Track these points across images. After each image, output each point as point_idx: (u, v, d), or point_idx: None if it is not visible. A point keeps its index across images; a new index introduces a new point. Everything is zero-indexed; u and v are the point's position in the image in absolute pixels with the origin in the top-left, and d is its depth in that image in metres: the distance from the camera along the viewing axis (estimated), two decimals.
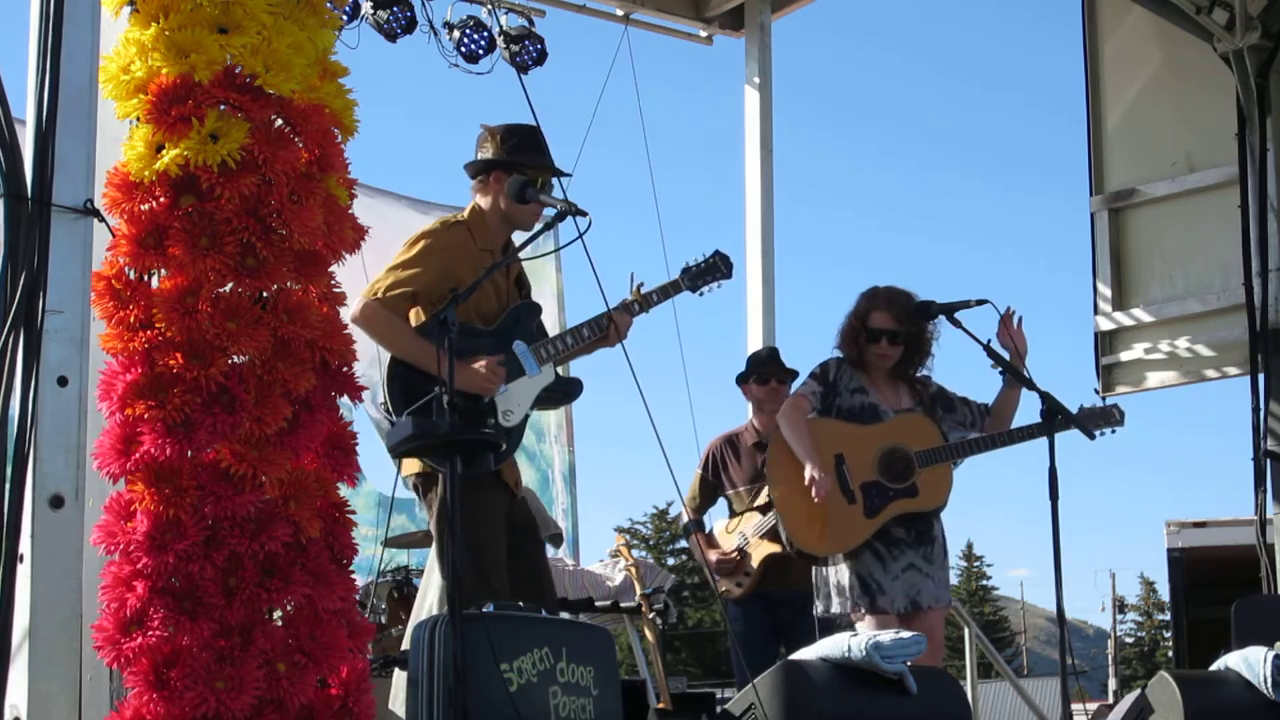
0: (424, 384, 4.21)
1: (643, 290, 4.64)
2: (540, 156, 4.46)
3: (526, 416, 4.41)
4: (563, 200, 4.26)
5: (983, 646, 8.38)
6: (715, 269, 4.76)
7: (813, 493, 4.90)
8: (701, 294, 4.77)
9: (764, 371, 6.06)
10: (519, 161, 4.42)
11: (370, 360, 4.30)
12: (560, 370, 4.55)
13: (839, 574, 5.04)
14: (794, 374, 5.98)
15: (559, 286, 9.47)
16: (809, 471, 4.92)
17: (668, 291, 4.70)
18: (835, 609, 5.07)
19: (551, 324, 9.14)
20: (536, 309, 4.59)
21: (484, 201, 4.53)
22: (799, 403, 5.13)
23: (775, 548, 5.65)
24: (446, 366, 3.47)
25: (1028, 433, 5.10)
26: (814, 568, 5.16)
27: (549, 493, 9.33)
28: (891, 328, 5.12)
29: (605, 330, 4.51)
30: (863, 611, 4.96)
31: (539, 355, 4.43)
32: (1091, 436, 5.13)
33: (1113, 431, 5.31)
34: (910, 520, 5.03)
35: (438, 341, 3.55)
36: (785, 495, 5.05)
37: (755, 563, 5.88)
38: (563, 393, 4.61)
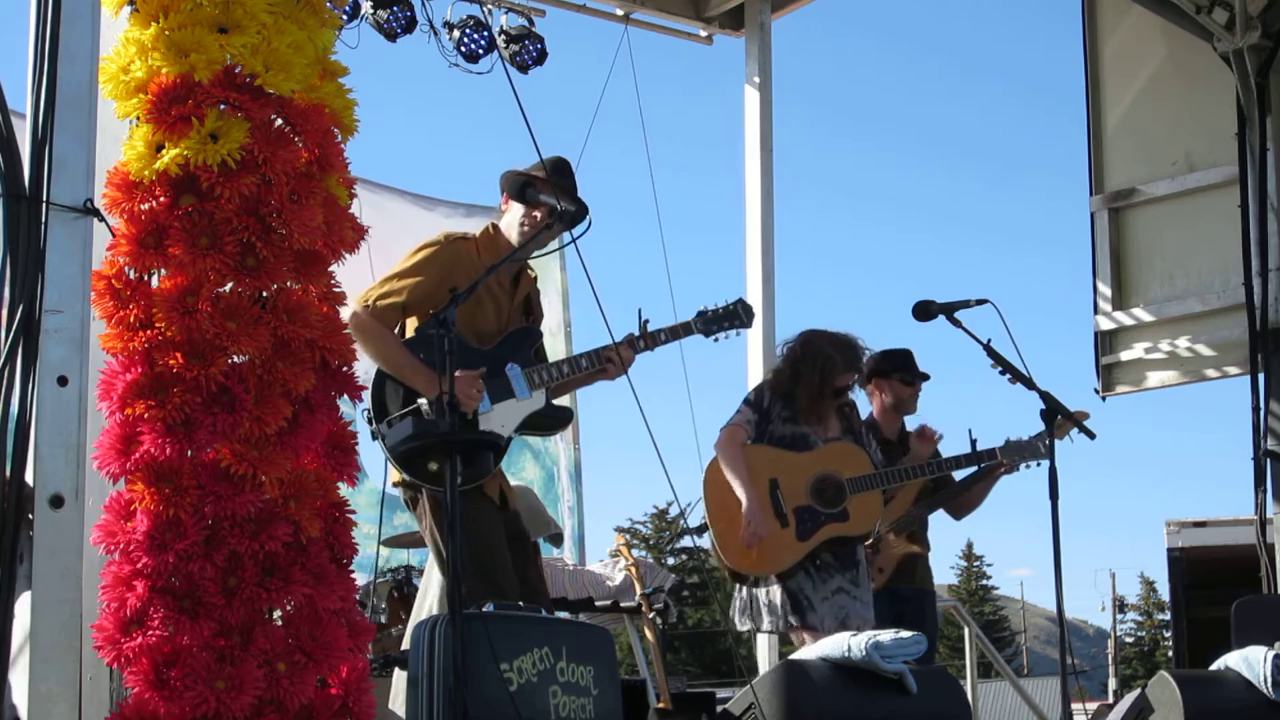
0: (407, 394, 4.20)
1: (650, 328, 4.56)
2: (555, 176, 4.34)
3: (510, 439, 4.39)
4: (563, 201, 4.25)
5: (983, 646, 8.38)
6: (734, 316, 4.71)
7: (749, 531, 5.06)
8: (716, 340, 4.72)
9: (913, 373, 6.02)
10: (533, 175, 4.36)
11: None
12: (568, 401, 4.52)
13: (770, 593, 5.21)
14: (927, 376, 6.04)
15: (563, 285, 9.47)
16: (746, 508, 5.08)
17: (678, 333, 4.64)
18: (766, 626, 5.21)
19: (556, 323, 9.15)
20: (537, 334, 4.54)
21: (504, 222, 4.49)
22: (735, 433, 5.27)
23: (914, 548, 5.72)
24: (429, 377, 3.45)
25: (955, 463, 5.34)
26: (745, 587, 5.31)
27: (554, 490, 9.31)
28: (851, 384, 5.35)
29: (605, 364, 4.47)
30: (797, 627, 5.05)
31: (531, 380, 4.39)
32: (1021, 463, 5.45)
33: (1039, 464, 5.44)
34: (836, 545, 5.19)
35: (437, 340, 3.54)
36: (720, 518, 5.19)
37: (892, 560, 5.91)
38: (552, 420, 4.57)
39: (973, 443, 5.46)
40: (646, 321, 4.57)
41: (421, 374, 4.15)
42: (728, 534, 5.17)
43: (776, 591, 5.14)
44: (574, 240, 4.19)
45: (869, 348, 5.38)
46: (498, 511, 4.36)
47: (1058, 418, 4.80)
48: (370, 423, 4.25)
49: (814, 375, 5.23)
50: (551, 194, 4.28)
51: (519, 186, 4.34)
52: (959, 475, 5.79)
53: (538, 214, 4.33)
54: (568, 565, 7.16)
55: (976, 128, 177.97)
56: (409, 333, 4.38)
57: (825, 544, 5.14)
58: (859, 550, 5.26)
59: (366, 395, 4.26)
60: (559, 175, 4.38)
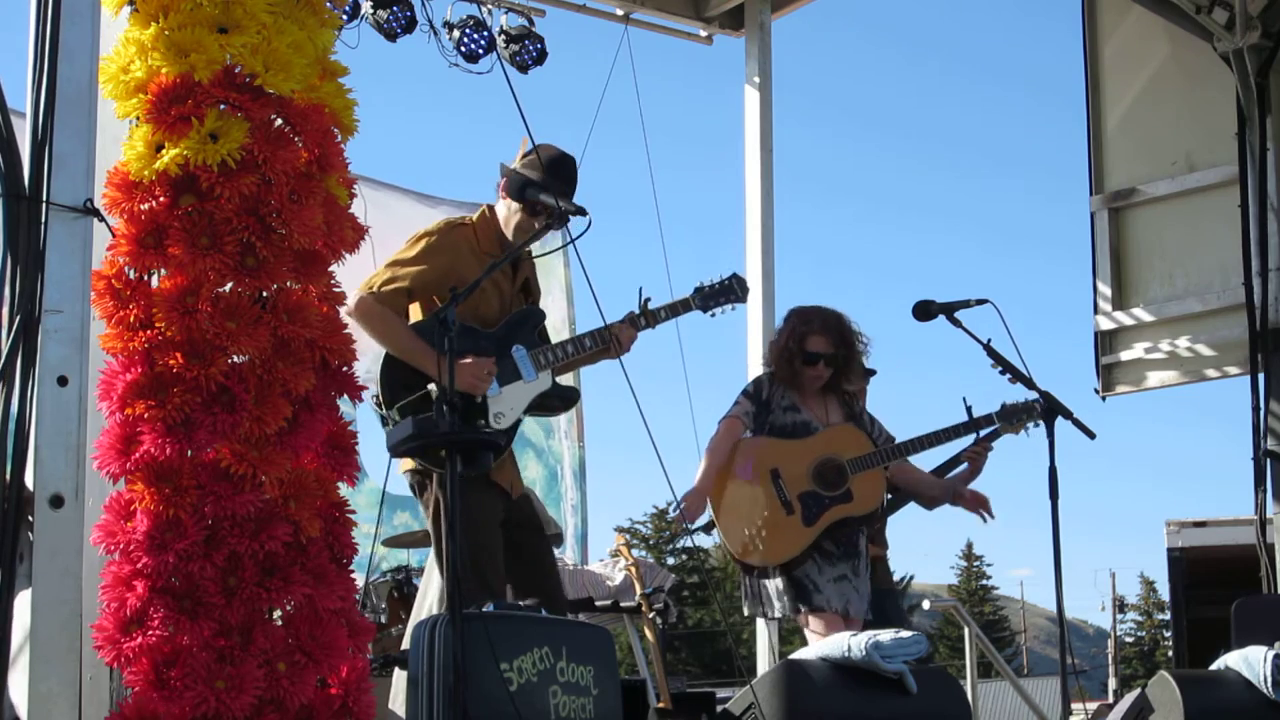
0: (418, 378, 4.22)
1: (650, 306, 4.62)
2: (557, 182, 4.33)
3: (519, 421, 4.41)
4: (562, 201, 4.25)
5: (983, 646, 8.37)
6: (730, 291, 4.78)
7: (680, 512, 5.02)
8: (713, 315, 4.79)
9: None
10: (533, 180, 4.35)
11: (374, 357, 4.30)
12: (572, 380, 4.54)
13: (777, 581, 5.16)
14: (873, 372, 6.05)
15: (567, 282, 9.48)
16: (691, 489, 5.05)
17: (677, 310, 4.70)
18: (775, 613, 5.22)
19: (560, 319, 9.15)
20: (539, 315, 4.57)
21: (500, 207, 4.50)
22: (732, 425, 5.25)
23: (873, 548, 5.72)
24: (443, 366, 3.48)
25: (953, 432, 5.31)
26: (751, 577, 5.27)
27: (557, 489, 9.30)
28: (828, 351, 5.24)
29: (607, 342, 4.51)
30: (804, 612, 5.04)
31: (537, 362, 4.42)
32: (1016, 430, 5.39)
33: (1036, 425, 5.41)
34: (838, 534, 5.16)
35: (438, 342, 3.55)
36: (726, 513, 5.17)
37: None
38: (559, 400, 4.60)
39: (968, 409, 5.41)
40: (647, 300, 4.63)
41: (431, 357, 4.16)
42: (735, 528, 5.15)
43: (782, 579, 5.13)
44: (573, 241, 4.20)
45: (862, 333, 5.35)
46: (504, 502, 4.37)
47: (1056, 416, 4.80)
48: (380, 408, 4.26)
49: (789, 336, 5.27)
50: (551, 196, 4.28)
51: (519, 185, 4.34)
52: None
53: (537, 223, 4.33)
54: (568, 565, 7.17)
55: (976, 127, 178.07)
56: (412, 319, 4.40)
57: (828, 531, 5.12)
58: (861, 541, 5.24)
59: (373, 381, 4.28)
60: (559, 176, 4.38)
